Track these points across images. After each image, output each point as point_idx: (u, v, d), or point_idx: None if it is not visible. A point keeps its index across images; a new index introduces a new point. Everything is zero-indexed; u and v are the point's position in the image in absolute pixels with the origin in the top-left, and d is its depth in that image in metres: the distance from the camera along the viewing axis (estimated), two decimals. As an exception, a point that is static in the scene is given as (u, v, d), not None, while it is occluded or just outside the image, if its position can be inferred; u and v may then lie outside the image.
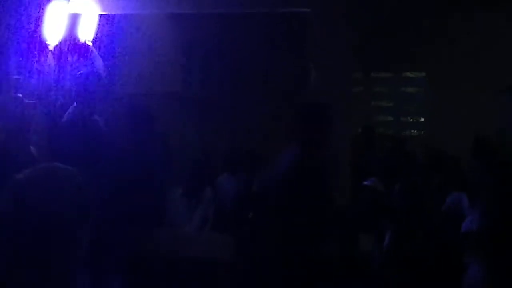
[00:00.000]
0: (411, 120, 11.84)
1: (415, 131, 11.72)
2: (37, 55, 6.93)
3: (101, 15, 7.67)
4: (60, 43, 7.22)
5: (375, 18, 10.98)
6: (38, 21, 6.95)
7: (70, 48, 7.27)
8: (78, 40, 7.43)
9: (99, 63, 7.39)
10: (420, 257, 5.67)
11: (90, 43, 7.52)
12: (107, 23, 7.77)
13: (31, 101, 6.01)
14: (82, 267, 1.95)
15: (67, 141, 5.91)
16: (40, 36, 7.01)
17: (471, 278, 5.30)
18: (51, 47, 7.14)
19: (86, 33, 7.50)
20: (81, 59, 7.27)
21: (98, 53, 7.53)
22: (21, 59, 6.70)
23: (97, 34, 7.62)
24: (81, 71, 6.62)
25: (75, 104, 6.40)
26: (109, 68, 7.55)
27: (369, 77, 11.83)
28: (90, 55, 7.42)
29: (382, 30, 11.06)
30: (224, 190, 7.65)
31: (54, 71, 7.04)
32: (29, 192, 1.86)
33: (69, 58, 7.18)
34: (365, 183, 6.94)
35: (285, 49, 9.88)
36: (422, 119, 11.73)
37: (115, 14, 7.90)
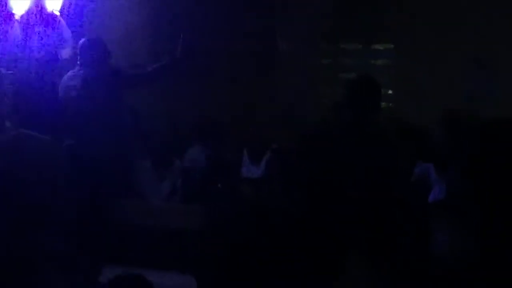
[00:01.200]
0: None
1: (383, 103, 11.76)
2: (3, 25, 6.84)
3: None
4: (27, 13, 7.14)
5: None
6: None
7: (37, 18, 7.19)
8: (45, 10, 7.35)
9: (66, 32, 7.32)
10: (387, 226, 5.72)
11: (57, 13, 7.44)
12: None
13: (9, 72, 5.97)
14: (53, 235, 1.93)
15: (37, 109, 5.87)
16: (6, 6, 6.92)
17: (438, 247, 5.36)
18: (17, 17, 7.06)
19: (53, 3, 7.41)
20: (49, 28, 7.19)
21: (66, 23, 7.46)
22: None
23: (64, 4, 7.54)
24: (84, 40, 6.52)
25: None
26: (77, 38, 7.48)
27: (338, 49, 11.83)
28: (58, 24, 7.35)
29: (350, 1, 11.06)
30: (194, 161, 7.64)
31: (21, 40, 6.96)
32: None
33: (36, 28, 7.11)
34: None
35: (254, 19, 9.84)
36: (390, 92, 11.76)
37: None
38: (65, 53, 7.21)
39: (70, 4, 7.62)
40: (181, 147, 7.87)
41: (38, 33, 7.07)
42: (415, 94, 10.62)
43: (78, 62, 6.38)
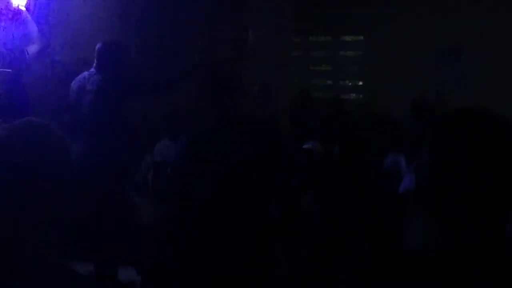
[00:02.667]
0: (350, 83, 11.90)
1: (354, 94, 11.80)
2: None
3: (34, -21, 7.51)
4: (-8, 7, 7.05)
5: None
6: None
7: (2, 13, 7.10)
8: (11, 5, 7.26)
9: (32, 28, 7.23)
10: (359, 217, 5.73)
11: (23, 8, 7.35)
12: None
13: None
14: (57, 223, 1.90)
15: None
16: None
17: (410, 237, 5.39)
18: (-18, 13, 6.97)
19: (19, -2, 7.34)
20: (14, 23, 7.10)
21: (32, 18, 7.37)
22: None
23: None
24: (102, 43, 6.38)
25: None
26: (44, 34, 7.41)
27: (308, 41, 11.85)
28: (24, 20, 7.26)
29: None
30: (164, 156, 7.60)
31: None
32: (5, 148, 1.81)
33: (2, 23, 7.02)
34: (305, 146, 6.97)
35: (224, 11, 9.80)
36: (361, 83, 11.81)
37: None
38: (33, 49, 7.12)
39: (36, -1, 7.54)
40: (151, 141, 7.85)
41: (4, 29, 6.98)
42: (385, 85, 10.67)
43: (95, 65, 6.24)
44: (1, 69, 5.93)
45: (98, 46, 6.29)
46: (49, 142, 1.86)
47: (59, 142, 1.89)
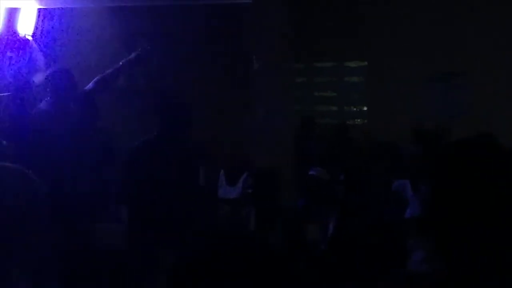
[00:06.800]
0: (355, 109, 11.92)
1: (359, 120, 11.81)
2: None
3: (40, 9, 7.57)
4: (-2, 37, 7.11)
5: (315, 7, 11.05)
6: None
7: (8, 43, 7.16)
8: (17, 35, 7.32)
9: (39, 57, 7.29)
10: (365, 244, 5.73)
11: (30, 38, 7.42)
12: (46, 17, 7.67)
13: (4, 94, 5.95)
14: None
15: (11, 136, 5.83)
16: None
17: (415, 263, 5.38)
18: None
19: (26, 27, 7.39)
20: (20, 53, 7.16)
21: (38, 48, 7.43)
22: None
23: (36, 28, 7.52)
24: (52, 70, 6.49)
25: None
26: (50, 63, 7.45)
27: (311, 67, 11.88)
28: (30, 49, 7.32)
29: (323, 20, 11.13)
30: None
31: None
32: None
33: (8, 53, 7.07)
34: (311, 172, 6.99)
35: (226, 41, 9.86)
36: (365, 108, 11.82)
37: (55, 8, 7.79)
38: (38, 78, 7.17)
39: (43, 28, 7.60)
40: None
41: (10, 58, 7.03)
42: (389, 111, 10.68)
43: (48, 90, 6.35)
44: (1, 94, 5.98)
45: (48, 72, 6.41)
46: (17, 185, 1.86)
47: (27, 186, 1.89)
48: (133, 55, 6.87)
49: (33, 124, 6.14)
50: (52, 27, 7.75)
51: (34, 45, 7.41)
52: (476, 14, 10.37)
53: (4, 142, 5.31)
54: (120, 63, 6.82)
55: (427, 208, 1.83)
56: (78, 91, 6.42)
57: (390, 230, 5.83)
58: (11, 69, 6.90)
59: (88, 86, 6.59)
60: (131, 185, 5.48)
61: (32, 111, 6.26)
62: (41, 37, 7.56)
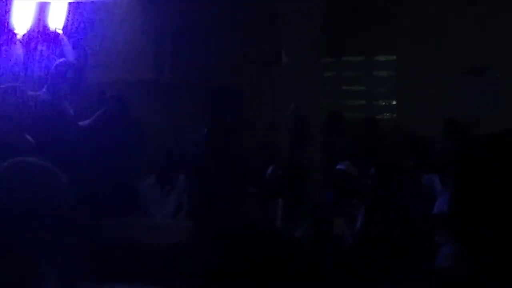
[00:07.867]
0: (383, 103, 11.87)
1: (387, 114, 11.76)
2: (5, 45, 6.86)
3: (70, 3, 7.61)
4: (29, 32, 7.15)
5: (344, 2, 11.00)
6: (6, 10, 6.88)
7: (39, 37, 7.21)
8: (48, 29, 7.37)
9: (69, 51, 7.34)
10: (393, 238, 5.72)
11: (60, 31, 7.46)
12: (77, 11, 7.71)
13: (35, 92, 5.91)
14: (53, 267, 1.91)
15: (38, 131, 5.82)
16: (8, 25, 6.94)
17: (444, 258, 5.36)
18: (19, 36, 7.07)
19: (56, 21, 7.44)
20: (51, 47, 7.20)
21: (68, 41, 7.48)
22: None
23: (67, 22, 7.56)
24: (57, 62, 6.42)
25: (44, 90, 6.18)
26: (81, 57, 7.49)
27: (340, 61, 11.85)
28: (60, 43, 7.37)
29: (353, 14, 11.08)
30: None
31: (23, 60, 6.97)
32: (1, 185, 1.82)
33: (39, 47, 7.12)
34: (338, 167, 6.97)
35: (257, 34, 9.84)
36: (394, 102, 11.76)
37: (85, 1, 7.83)
38: (69, 73, 7.20)
39: (73, 22, 7.63)
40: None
41: (41, 52, 7.08)
42: (419, 105, 10.62)
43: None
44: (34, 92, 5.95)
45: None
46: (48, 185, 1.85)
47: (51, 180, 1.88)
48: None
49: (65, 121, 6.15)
50: (83, 21, 7.78)
51: (64, 39, 7.46)
52: (511, 7, 10.26)
53: (30, 138, 5.32)
54: None
55: (455, 203, 1.81)
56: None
57: (418, 224, 5.81)
58: (42, 63, 6.93)
59: None
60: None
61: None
62: (71, 30, 7.60)
